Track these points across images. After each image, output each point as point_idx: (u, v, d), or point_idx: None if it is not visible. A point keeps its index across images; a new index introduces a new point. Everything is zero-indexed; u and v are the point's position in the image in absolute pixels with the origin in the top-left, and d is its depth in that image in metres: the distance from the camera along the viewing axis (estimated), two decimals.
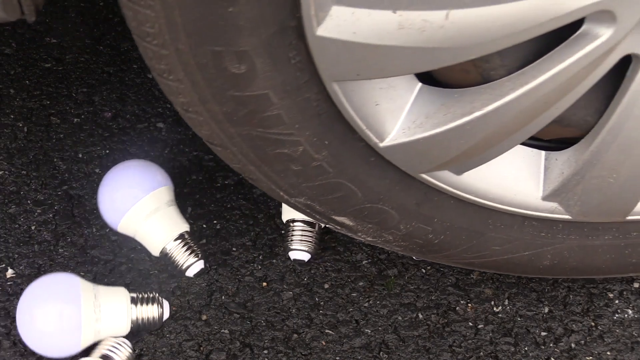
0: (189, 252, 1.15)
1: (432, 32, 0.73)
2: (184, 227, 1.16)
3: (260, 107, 0.83)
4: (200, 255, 1.17)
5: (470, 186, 0.94)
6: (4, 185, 1.26)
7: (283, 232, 1.22)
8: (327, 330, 1.14)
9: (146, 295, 1.10)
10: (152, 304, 1.10)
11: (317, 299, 1.17)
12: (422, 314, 1.16)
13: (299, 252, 1.18)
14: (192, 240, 1.17)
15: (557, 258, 1.02)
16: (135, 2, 0.74)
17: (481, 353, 1.13)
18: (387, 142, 0.87)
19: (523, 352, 1.13)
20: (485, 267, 1.08)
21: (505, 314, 1.17)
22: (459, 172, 0.92)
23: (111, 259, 1.19)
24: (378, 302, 1.17)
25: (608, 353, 1.14)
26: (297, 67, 0.79)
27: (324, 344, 1.13)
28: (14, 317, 1.13)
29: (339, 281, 1.19)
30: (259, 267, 1.20)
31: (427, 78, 0.87)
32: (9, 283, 1.17)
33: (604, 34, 0.75)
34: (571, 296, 1.19)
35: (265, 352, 1.12)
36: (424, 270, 1.20)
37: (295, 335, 1.14)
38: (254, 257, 1.21)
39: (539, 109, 0.82)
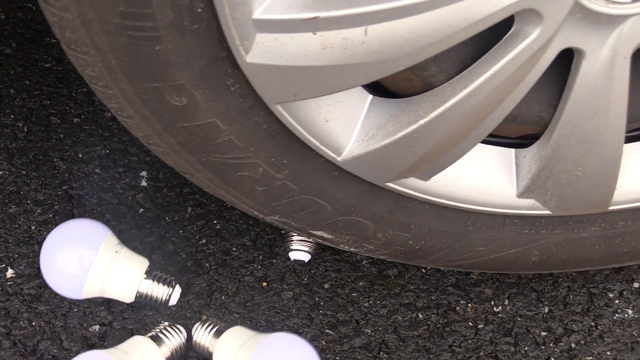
0: (162, 284, 1.12)
1: (355, 49, 0.75)
2: (145, 262, 1.12)
3: (211, 135, 0.86)
4: (173, 281, 1.13)
5: (441, 190, 0.94)
6: (4, 185, 1.26)
7: (283, 232, 1.22)
8: (327, 330, 1.14)
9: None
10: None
11: (317, 299, 1.17)
12: (422, 314, 1.16)
13: (299, 252, 1.18)
14: (158, 270, 1.13)
15: (545, 253, 1.02)
16: (74, 48, 0.78)
17: (481, 353, 1.13)
18: (344, 156, 0.88)
19: (523, 352, 1.13)
20: (474, 267, 1.08)
21: (505, 314, 1.17)
22: (425, 178, 0.92)
23: None
24: (378, 302, 1.17)
25: (608, 353, 1.14)
26: (238, 94, 0.82)
27: (324, 344, 1.13)
28: (14, 317, 1.13)
29: (339, 281, 1.19)
30: (259, 267, 1.20)
31: (381, 89, 0.88)
32: (9, 283, 1.17)
33: (533, 31, 0.76)
34: (571, 296, 1.19)
35: None
36: (424, 270, 1.20)
37: None
38: (254, 257, 1.21)
39: (484, 110, 0.83)
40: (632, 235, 0.99)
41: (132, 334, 1.13)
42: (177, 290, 1.12)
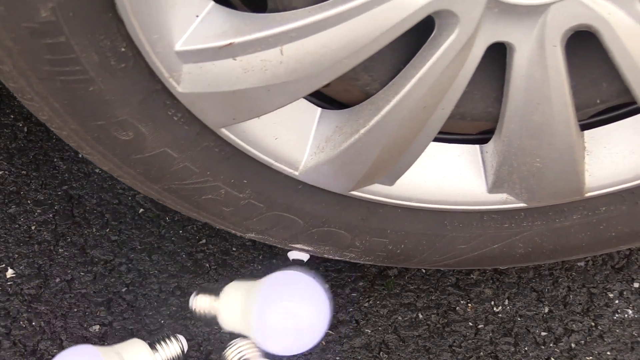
0: (167, 343, 1.09)
1: (275, 69, 0.77)
2: (141, 343, 1.08)
3: (166, 164, 0.89)
4: (169, 334, 1.10)
5: (409, 193, 0.94)
6: (4, 185, 1.26)
7: None
8: (327, 330, 1.15)
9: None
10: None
11: None
12: (422, 314, 1.16)
13: (298, 251, 1.18)
14: (152, 339, 1.10)
15: (530, 245, 1.02)
16: (21, 96, 0.81)
17: (481, 353, 1.13)
18: (301, 170, 0.89)
19: (523, 352, 1.13)
20: (463, 265, 1.08)
21: (505, 314, 1.17)
22: (389, 183, 0.93)
23: (111, 259, 1.19)
24: (378, 302, 1.17)
25: (608, 353, 1.14)
26: (182, 122, 0.85)
27: (324, 344, 1.13)
28: (14, 317, 1.13)
29: (339, 281, 1.19)
30: (259, 267, 1.20)
31: (335, 101, 0.90)
32: (9, 283, 1.17)
33: (453, 31, 0.76)
34: (571, 296, 1.19)
35: None
36: (424, 270, 1.20)
37: None
38: (254, 257, 1.21)
39: (422, 113, 0.83)
40: (617, 219, 0.98)
41: (132, 334, 1.13)
42: (181, 338, 1.10)
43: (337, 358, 1.12)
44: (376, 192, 0.93)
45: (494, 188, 0.93)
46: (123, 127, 0.85)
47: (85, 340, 1.12)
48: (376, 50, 0.76)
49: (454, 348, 1.14)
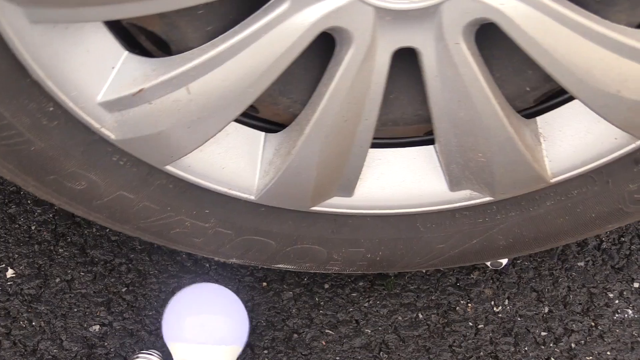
0: None
1: (187, 107, 0.80)
2: None
3: (126, 205, 0.93)
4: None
5: (372, 202, 0.95)
6: (4, 185, 1.26)
7: None
8: (327, 330, 1.15)
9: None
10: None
11: (317, 299, 1.17)
12: (422, 314, 1.16)
13: None
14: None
15: (511, 236, 1.01)
16: None
17: (481, 353, 1.13)
18: (256, 194, 0.91)
19: (523, 352, 1.13)
20: (447, 264, 1.06)
21: (505, 314, 1.17)
22: (347, 194, 0.93)
23: (111, 259, 1.19)
24: (378, 302, 1.17)
25: (608, 353, 1.14)
26: (130, 165, 0.88)
27: (324, 343, 1.14)
28: (14, 317, 1.13)
29: (339, 281, 1.19)
30: (259, 267, 1.20)
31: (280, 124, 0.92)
32: (9, 283, 1.17)
33: (350, 44, 0.76)
34: (571, 296, 1.19)
35: (266, 352, 1.12)
36: (424, 271, 1.20)
37: (295, 335, 1.14)
38: None
39: (345, 126, 0.84)
40: (592, 200, 0.97)
41: (132, 334, 1.13)
42: (155, 353, 1.10)
43: (337, 358, 1.12)
44: (338, 204, 0.94)
45: (453, 186, 0.93)
46: (75, 178, 0.90)
47: (85, 339, 1.12)
48: (278, 75, 0.78)
49: (454, 348, 1.14)
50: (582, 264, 1.22)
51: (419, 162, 0.93)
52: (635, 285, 1.20)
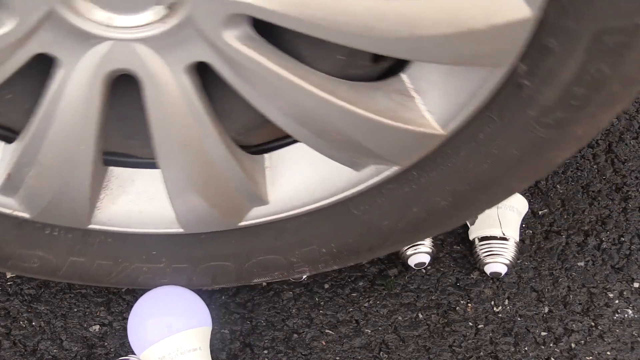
0: None
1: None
2: None
3: (84, 268, 1.03)
4: None
5: (288, 203, 0.95)
6: None
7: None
8: (327, 330, 1.15)
9: None
10: None
11: (317, 299, 1.17)
12: (422, 314, 1.16)
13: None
14: None
15: (448, 194, 0.96)
16: None
17: (481, 353, 1.13)
18: (180, 225, 0.96)
19: (523, 352, 1.13)
20: (410, 238, 1.05)
21: (505, 314, 1.17)
22: (260, 203, 0.94)
23: None
24: (378, 302, 1.17)
25: (608, 353, 1.14)
26: (64, 233, 0.98)
27: (324, 343, 1.13)
28: (14, 317, 1.13)
29: (339, 281, 1.19)
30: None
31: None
32: (9, 283, 1.17)
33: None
34: (571, 296, 1.19)
35: (266, 352, 1.12)
36: (424, 270, 1.20)
37: (295, 335, 1.14)
38: None
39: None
40: (503, 137, 0.91)
41: None
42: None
43: (337, 358, 1.12)
44: (260, 214, 0.96)
45: (355, 166, 0.93)
46: (26, 258, 1.00)
47: (85, 339, 1.12)
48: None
49: (454, 348, 1.14)
50: (582, 264, 1.22)
51: (315, 154, 0.93)
52: (635, 285, 1.20)
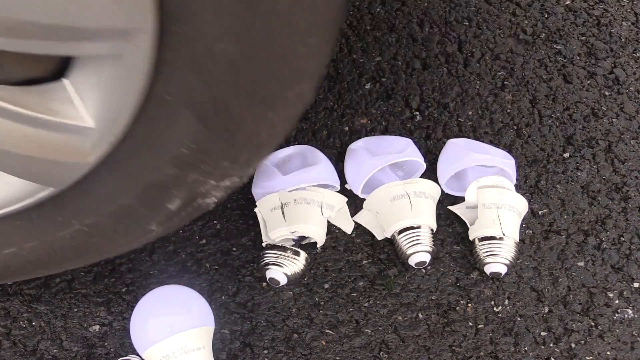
0: None
1: None
2: None
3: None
4: None
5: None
6: None
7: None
8: (327, 330, 1.15)
9: None
10: None
11: (317, 299, 1.17)
12: (422, 314, 1.16)
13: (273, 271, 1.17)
14: None
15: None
16: None
17: (481, 353, 1.13)
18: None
19: (523, 352, 1.13)
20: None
21: (505, 314, 1.17)
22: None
23: (111, 259, 1.19)
24: (378, 302, 1.17)
25: (608, 353, 1.14)
26: None
27: (324, 343, 1.14)
28: (14, 317, 1.13)
29: (339, 281, 1.19)
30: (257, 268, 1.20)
31: None
32: (9, 283, 1.17)
33: None
34: (571, 296, 1.19)
35: (266, 352, 1.12)
36: (424, 270, 1.20)
37: (295, 335, 1.14)
38: (254, 257, 1.21)
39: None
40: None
41: None
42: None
43: (337, 358, 1.12)
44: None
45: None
46: None
47: (85, 339, 1.12)
48: None
49: (454, 348, 1.14)
50: (582, 263, 1.22)
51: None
52: (635, 285, 1.20)
